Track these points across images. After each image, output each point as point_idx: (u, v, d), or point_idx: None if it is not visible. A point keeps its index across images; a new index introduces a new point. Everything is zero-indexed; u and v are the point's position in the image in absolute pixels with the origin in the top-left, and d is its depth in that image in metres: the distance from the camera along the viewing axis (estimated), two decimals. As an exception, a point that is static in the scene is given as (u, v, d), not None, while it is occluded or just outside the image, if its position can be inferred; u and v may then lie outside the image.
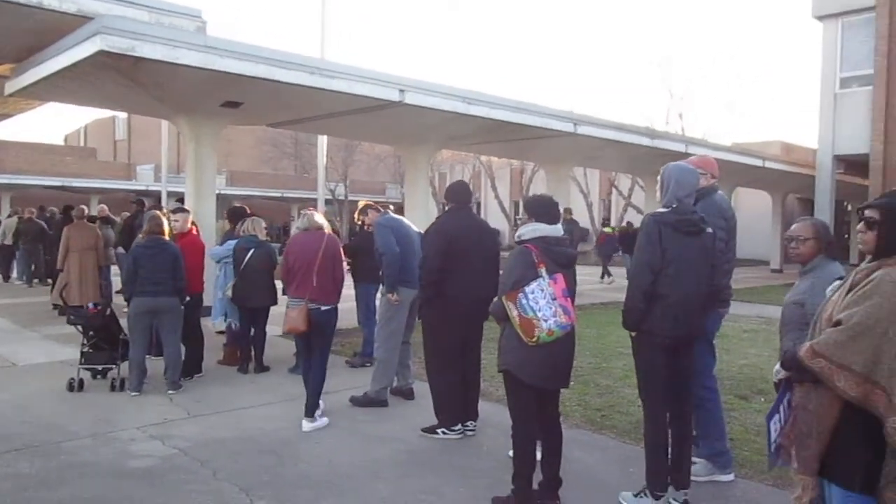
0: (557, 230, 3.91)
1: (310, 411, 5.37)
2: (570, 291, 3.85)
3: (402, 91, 10.74)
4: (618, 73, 65.60)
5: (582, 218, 31.81)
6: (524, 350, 3.71)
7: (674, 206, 3.78)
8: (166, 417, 5.53)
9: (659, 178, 3.91)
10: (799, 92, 64.86)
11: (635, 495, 3.95)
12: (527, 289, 3.68)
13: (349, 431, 5.29)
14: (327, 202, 30.16)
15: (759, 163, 21.09)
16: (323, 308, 5.41)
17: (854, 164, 20.13)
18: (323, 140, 18.03)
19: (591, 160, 20.22)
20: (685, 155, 18.19)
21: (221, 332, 8.00)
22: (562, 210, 14.74)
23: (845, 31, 19.07)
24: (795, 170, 23.12)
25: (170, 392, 6.21)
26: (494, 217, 38.05)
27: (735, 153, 20.62)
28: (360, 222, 7.23)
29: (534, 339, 3.65)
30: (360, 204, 7.25)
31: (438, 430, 5.16)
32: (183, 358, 6.56)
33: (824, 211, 19.78)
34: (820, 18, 19.50)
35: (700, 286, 3.80)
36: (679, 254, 3.71)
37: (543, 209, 3.93)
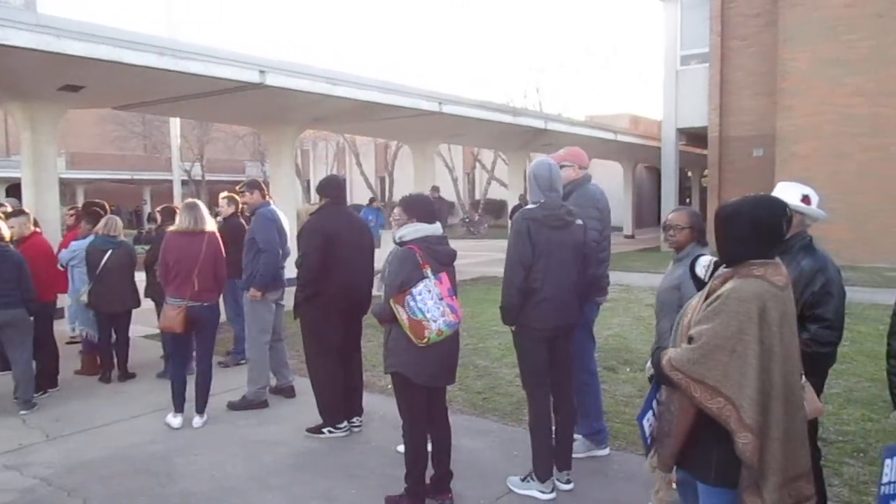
0: (438, 229, 3.93)
1: (201, 407, 5.38)
2: (454, 288, 3.91)
3: (262, 72, 10.32)
4: (479, 49, 66.58)
5: (448, 192, 32.28)
6: (414, 351, 3.72)
7: (541, 201, 3.91)
8: (21, 443, 5.06)
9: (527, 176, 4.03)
10: (645, 67, 68.97)
11: (522, 479, 4.11)
12: (414, 290, 3.69)
13: (230, 439, 5.11)
14: (183, 183, 28.53)
15: (611, 136, 22.30)
16: (205, 304, 5.36)
17: (694, 136, 21.77)
18: (176, 118, 17.01)
19: (456, 137, 20.49)
20: (544, 131, 18.91)
21: (74, 341, 7.41)
22: (429, 188, 14.71)
23: (684, 11, 20.43)
24: (643, 142, 24.67)
25: (22, 413, 5.69)
26: (360, 193, 37.71)
27: (589, 127, 21.69)
28: (241, 200, 6.49)
29: (424, 340, 3.68)
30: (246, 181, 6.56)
31: (324, 430, 5.09)
32: (35, 372, 6.02)
33: (670, 179, 21.29)
34: (662, -1, 20.76)
35: (573, 278, 3.97)
36: (549, 248, 3.85)
37: (422, 208, 3.93)
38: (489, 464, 4.57)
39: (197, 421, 5.38)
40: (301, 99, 11.76)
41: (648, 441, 2.80)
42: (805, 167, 16.71)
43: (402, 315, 3.70)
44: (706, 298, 2.52)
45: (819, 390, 3.35)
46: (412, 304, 3.68)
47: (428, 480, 3.96)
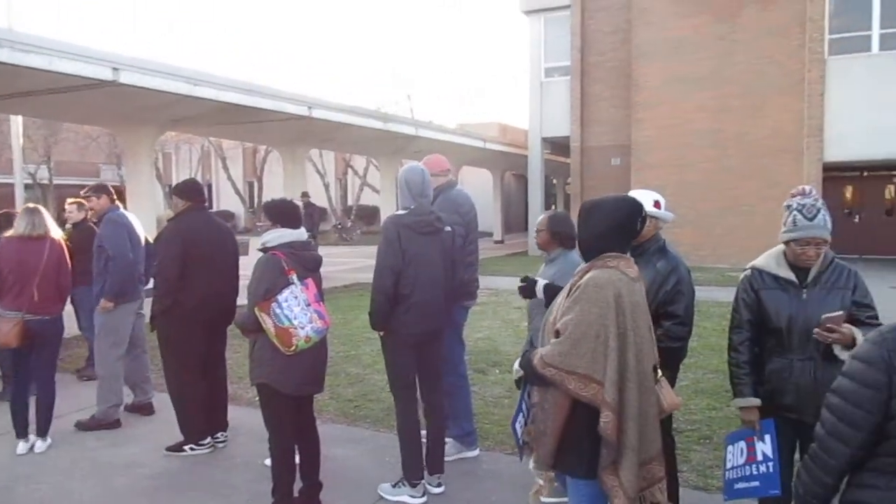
0: (302, 234, 3.84)
1: (43, 429, 4.94)
2: (320, 294, 3.83)
3: (116, 70, 9.71)
4: (352, 57, 66.18)
5: (319, 198, 31.77)
6: (280, 360, 3.61)
7: (411, 207, 3.93)
8: None
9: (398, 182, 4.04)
10: (513, 77, 71.35)
11: (393, 486, 4.08)
12: (280, 297, 3.58)
13: (79, 462, 4.72)
14: (27, 187, 26.25)
15: (480, 144, 22.88)
16: (45, 318, 4.87)
17: (559, 145, 22.78)
18: (18, 117, 15.61)
19: (327, 142, 20.24)
20: (415, 137, 19.09)
21: None
22: (299, 193, 14.40)
23: (548, 25, 21.37)
24: (511, 150, 25.51)
25: None
26: (228, 199, 36.33)
27: (459, 135, 22.13)
28: (87, 205, 6.00)
29: (292, 348, 3.57)
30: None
31: (185, 447, 4.82)
32: None
33: (536, 186, 22.14)
34: (527, 13, 21.58)
35: (442, 283, 4.01)
36: (418, 253, 3.87)
37: (285, 214, 3.82)
38: (360, 472, 4.51)
39: (39, 445, 4.92)
40: (159, 99, 11.17)
41: (521, 444, 2.86)
42: (657, 175, 17.93)
43: (268, 323, 3.57)
44: (568, 294, 2.65)
45: (672, 383, 3.58)
46: (278, 311, 3.57)
47: (296, 493, 3.85)
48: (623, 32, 19.20)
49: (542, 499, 3.82)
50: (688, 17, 17.65)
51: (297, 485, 3.87)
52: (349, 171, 37.78)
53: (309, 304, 3.66)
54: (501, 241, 28.22)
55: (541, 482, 3.81)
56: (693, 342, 7.90)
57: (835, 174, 18.72)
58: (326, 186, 35.51)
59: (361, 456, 4.80)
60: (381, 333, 3.99)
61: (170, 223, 4.80)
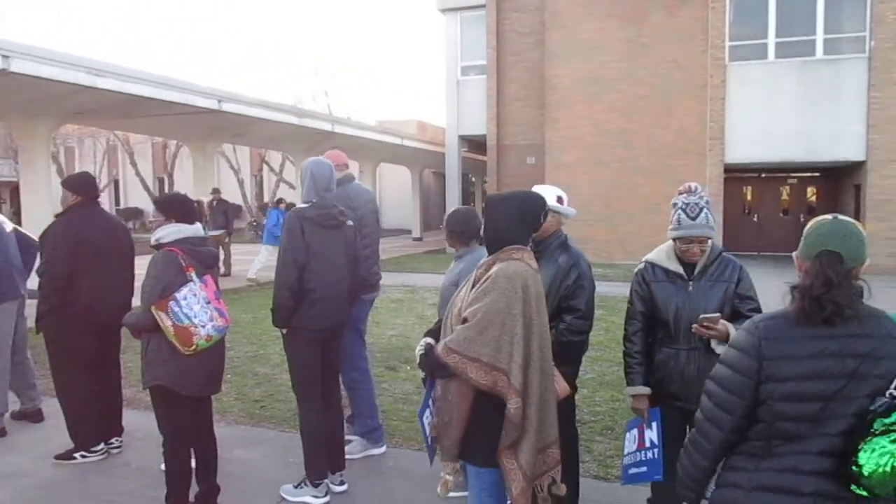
0: (198, 230, 3.70)
1: None
2: (218, 291, 3.71)
3: (6, 57, 9.14)
4: (269, 52, 64.61)
5: (233, 195, 30.96)
6: (176, 360, 3.47)
7: (314, 200, 3.86)
8: None
9: (300, 174, 3.97)
10: (431, 75, 71.51)
11: (296, 486, 4.01)
12: (178, 295, 3.44)
13: (-44, 476, 4.40)
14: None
15: (398, 141, 22.81)
16: None
17: (476, 143, 22.99)
18: None
19: (239, 137, 19.69)
20: (332, 133, 18.85)
21: None
22: (209, 190, 13.94)
23: (464, 24, 21.50)
24: (429, 147, 25.57)
25: None
26: (136, 196, 34.86)
27: (377, 131, 22.00)
28: None
29: (192, 347, 3.44)
30: None
31: (76, 455, 4.57)
32: None
33: (454, 184, 22.26)
34: (443, 12, 21.65)
35: (344, 278, 3.96)
36: (322, 247, 3.81)
37: (180, 208, 3.68)
38: (263, 473, 4.40)
39: None
40: (55, 89, 10.58)
41: (429, 438, 2.86)
42: (570, 174, 18.39)
43: (167, 322, 3.43)
44: (473, 286, 2.70)
45: (575, 376, 3.67)
46: (177, 309, 3.43)
47: (193, 498, 3.72)
48: (537, 34, 19.56)
49: (451, 493, 3.83)
50: (598, 21, 18.16)
51: (194, 489, 3.74)
52: (265, 167, 36.94)
53: (209, 302, 3.53)
54: (420, 239, 28.25)
55: (448, 477, 3.82)
56: (600, 335, 8.18)
57: (736, 175, 19.70)
58: (241, 183, 34.59)
59: (265, 457, 4.69)
60: (284, 331, 3.90)
61: (57, 218, 4.53)
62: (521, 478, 2.56)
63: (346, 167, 4.61)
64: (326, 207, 3.86)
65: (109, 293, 4.49)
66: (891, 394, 1.82)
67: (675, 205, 3.23)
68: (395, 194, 35.74)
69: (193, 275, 3.52)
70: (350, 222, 4.00)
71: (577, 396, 5.94)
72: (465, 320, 2.61)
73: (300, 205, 3.91)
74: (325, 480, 3.99)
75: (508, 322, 2.53)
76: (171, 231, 3.59)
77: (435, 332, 2.89)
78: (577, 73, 18.45)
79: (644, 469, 3.30)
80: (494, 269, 2.64)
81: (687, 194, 3.23)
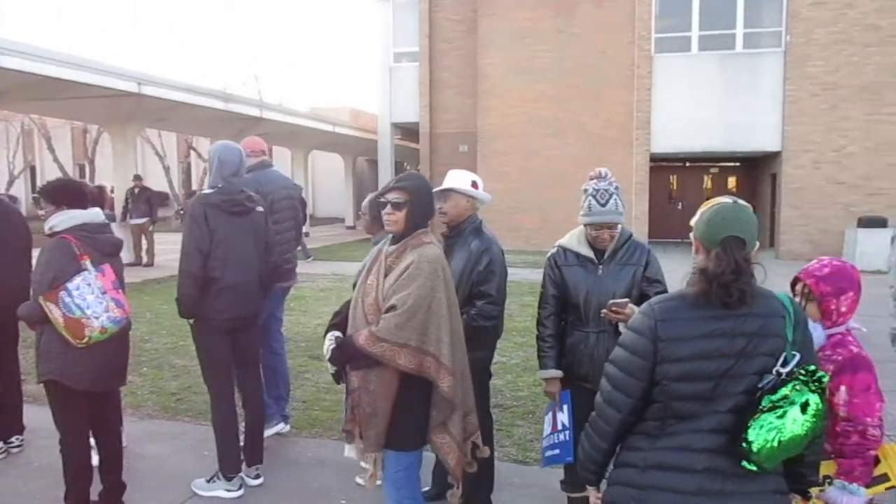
0: (97, 215, 3.51)
1: None
2: (120, 281, 3.54)
3: None
4: (197, 35, 62.47)
5: (159, 182, 29.95)
6: (72, 354, 3.29)
7: (219, 185, 3.73)
8: None
9: (208, 158, 3.82)
10: (366, 62, 70.76)
11: (208, 481, 3.89)
12: (69, 285, 3.25)
13: None
14: None
15: (329, 128, 22.48)
16: None
17: (408, 131, 22.85)
18: None
19: (163, 122, 18.98)
20: (261, 119, 18.42)
21: None
22: (132, 176, 13.42)
23: (396, 11, 21.26)
24: (362, 135, 25.30)
25: None
26: (54, 183, 33.17)
27: (308, 118, 21.62)
28: None
29: (84, 340, 3.26)
30: None
31: (-28, 455, 4.32)
32: None
33: (387, 172, 22.07)
34: (376, -3, 21.38)
35: (255, 265, 3.85)
36: (228, 234, 3.68)
37: (69, 194, 3.46)
38: (176, 468, 4.25)
39: None
40: (-45, 68, 9.94)
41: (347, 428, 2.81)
42: (502, 163, 18.52)
43: (56, 313, 3.24)
44: (386, 274, 2.69)
45: (489, 362, 3.67)
46: (67, 300, 3.24)
47: (97, 496, 3.55)
48: (469, 21, 19.54)
49: (378, 482, 3.79)
50: (529, 10, 18.28)
51: (97, 487, 3.58)
52: (192, 153, 35.78)
53: (105, 292, 3.35)
54: (353, 227, 27.98)
55: (369, 466, 3.77)
56: (527, 321, 8.24)
57: (662, 164, 20.24)
58: (167, 170, 33.39)
59: (179, 451, 4.54)
60: (191, 321, 3.76)
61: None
62: (456, 448, 2.70)
63: (261, 153, 4.49)
64: (232, 193, 3.73)
65: (4, 286, 4.24)
66: (777, 371, 1.87)
67: (585, 191, 3.25)
68: (329, 182, 35.22)
69: (89, 263, 3.33)
70: (260, 208, 3.88)
71: (500, 382, 6.05)
72: (391, 308, 2.60)
73: (205, 190, 3.76)
74: (240, 474, 3.88)
75: (435, 305, 2.59)
76: (65, 218, 3.39)
77: (338, 326, 2.83)
78: (508, 61, 18.55)
79: (557, 451, 3.33)
80: (413, 254, 2.65)
81: (597, 180, 3.27)
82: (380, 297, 2.65)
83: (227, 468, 3.82)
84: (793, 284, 2.59)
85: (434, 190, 3.50)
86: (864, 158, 15.97)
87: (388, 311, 2.60)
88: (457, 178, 3.50)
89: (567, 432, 3.25)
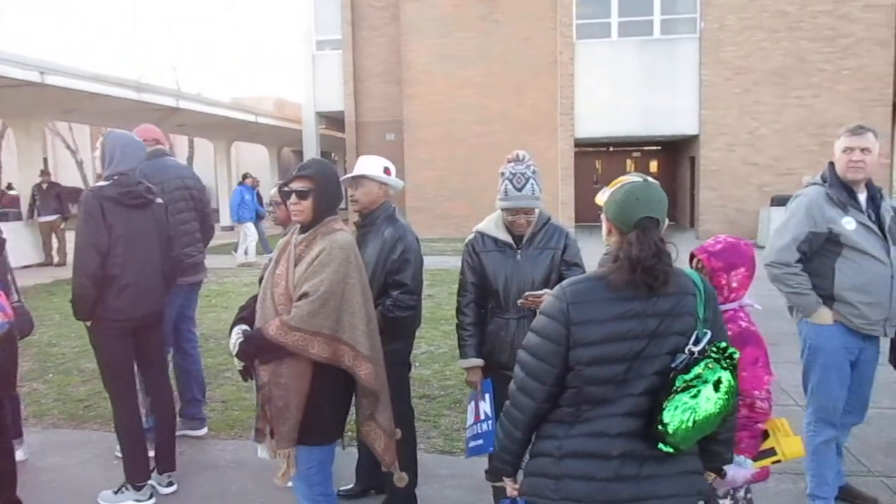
0: None
1: None
2: (9, 282, 3.27)
3: None
4: (111, 22, 59.65)
5: (71, 177, 28.57)
6: None
7: (115, 178, 3.48)
8: None
9: (99, 147, 3.55)
10: (288, 50, 69.22)
11: (115, 492, 3.66)
12: None
13: None
14: None
15: (252, 118, 21.83)
16: None
17: (334, 120, 22.46)
18: None
19: (70, 113, 17.97)
20: (177, 109, 17.71)
21: None
22: (38, 172, 12.66)
23: (318, -3, 20.78)
24: (286, 125, 24.69)
25: None
26: (-45, 180, 31.13)
27: (229, 108, 20.92)
28: None
29: None
30: None
31: None
32: None
33: (313, 163, 21.64)
34: (294, -18, 20.83)
35: (157, 261, 3.63)
36: (128, 229, 3.45)
37: None
38: (82, 480, 3.99)
39: None
40: None
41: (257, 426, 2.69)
42: (429, 150, 18.45)
43: (-71, 320, 2.96)
44: (296, 263, 2.60)
45: (408, 353, 3.57)
46: (-60, 306, 2.97)
47: (-11, 516, 3.29)
48: (392, 8, 19.30)
49: (289, 483, 3.65)
50: (452, -4, 18.19)
51: (-9, 506, 3.31)
52: (108, 147, 34.17)
53: (-16, 295, 3.09)
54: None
55: (284, 465, 3.63)
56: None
57: (586, 149, 20.57)
58: (80, 164, 31.85)
59: (85, 462, 4.27)
60: (88, 323, 3.51)
61: None
62: (383, 435, 2.69)
63: (157, 142, 4.25)
64: (129, 185, 3.48)
65: None
66: (689, 350, 1.84)
67: (502, 174, 3.18)
68: (253, 173, 34.37)
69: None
70: (159, 200, 3.65)
71: (428, 371, 5.97)
72: (303, 295, 2.51)
73: (99, 183, 3.51)
74: (150, 482, 3.67)
75: (348, 292, 2.54)
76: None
77: (245, 320, 2.70)
78: (433, 48, 18.42)
79: (481, 442, 3.27)
80: (323, 242, 2.58)
81: (514, 163, 3.20)
82: (290, 286, 2.55)
83: (134, 477, 3.60)
84: (689, 260, 2.62)
85: (345, 177, 3.39)
86: (776, 140, 16.62)
87: (300, 298, 2.50)
88: (368, 165, 3.37)
89: (490, 422, 3.19)
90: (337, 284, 2.50)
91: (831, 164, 3.29)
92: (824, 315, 3.24)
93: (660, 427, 1.79)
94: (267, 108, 25.52)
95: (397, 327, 3.25)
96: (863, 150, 3.15)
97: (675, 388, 1.79)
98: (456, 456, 4.23)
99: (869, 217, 3.20)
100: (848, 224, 3.16)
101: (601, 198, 2.02)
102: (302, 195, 2.60)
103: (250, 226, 14.02)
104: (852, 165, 3.17)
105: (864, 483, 3.69)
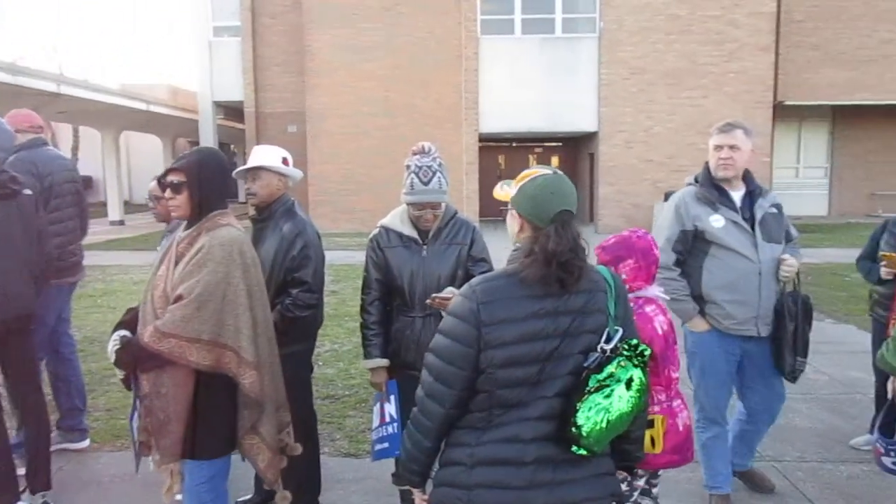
0: None
1: None
2: None
3: None
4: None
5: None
6: None
7: None
8: None
9: None
10: (184, 36, 66.24)
11: (-23, 518, 3.29)
12: None
13: None
14: None
15: (143, 106, 20.70)
16: None
17: (233, 110, 21.62)
18: None
19: (-66, 98, 16.42)
20: (58, 95, 16.52)
21: None
22: None
23: (214, -20, 19.91)
24: (182, 114, 23.56)
25: None
26: None
27: (117, 95, 19.72)
28: None
29: None
30: None
31: None
32: None
33: (210, 154, 20.76)
34: (189, -36, 19.85)
35: (22, 259, 3.27)
36: None
37: None
38: (-61, 505, 3.58)
39: None
40: None
41: (137, 442, 2.53)
42: (333, 143, 18.08)
43: None
44: (177, 263, 2.41)
45: (310, 355, 3.40)
46: None
47: None
48: (294, -5, 18.75)
49: (176, 497, 3.39)
50: (355, -14, 17.86)
51: None
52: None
53: None
54: (176, 214, 26.15)
55: (170, 480, 3.37)
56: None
57: (490, 144, 20.75)
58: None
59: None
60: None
61: None
62: (266, 449, 2.49)
63: (33, 129, 3.87)
64: None
65: None
66: (602, 348, 1.78)
67: (408, 167, 3.06)
68: (146, 166, 32.51)
69: None
70: (27, 191, 3.29)
71: (332, 371, 5.78)
72: (178, 298, 2.31)
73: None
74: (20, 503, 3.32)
75: (230, 293, 2.35)
76: None
77: (128, 324, 2.48)
78: (336, 38, 18.03)
79: (386, 445, 3.15)
80: (203, 239, 2.37)
81: (420, 155, 3.09)
82: (168, 288, 2.35)
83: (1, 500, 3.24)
84: None
85: (240, 169, 3.17)
86: (669, 138, 17.34)
87: (175, 301, 2.30)
88: (265, 155, 3.16)
89: (395, 424, 3.07)
90: (215, 285, 2.31)
91: (707, 163, 3.31)
92: (699, 323, 3.28)
93: (574, 429, 1.72)
94: (160, 95, 24.22)
95: (297, 328, 3.08)
96: (731, 147, 3.15)
97: (588, 388, 1.73)
98: (361, 458, 4.09)
99: (743, 215, 3.19)
100: (716, 222, 3.15)
101: (501, 192, 1.94)
102: (176, 189, 2.40)
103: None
104: (721, 163, 3.18)
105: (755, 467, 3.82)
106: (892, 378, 2.77)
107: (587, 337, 1.79)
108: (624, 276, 2.53)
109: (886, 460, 2.76)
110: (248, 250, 2.45)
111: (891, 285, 3.80)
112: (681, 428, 2.62)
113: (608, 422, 1.73)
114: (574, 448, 1.75)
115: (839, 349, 6.24)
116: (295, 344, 3.05)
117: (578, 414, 1.72)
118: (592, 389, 1.73)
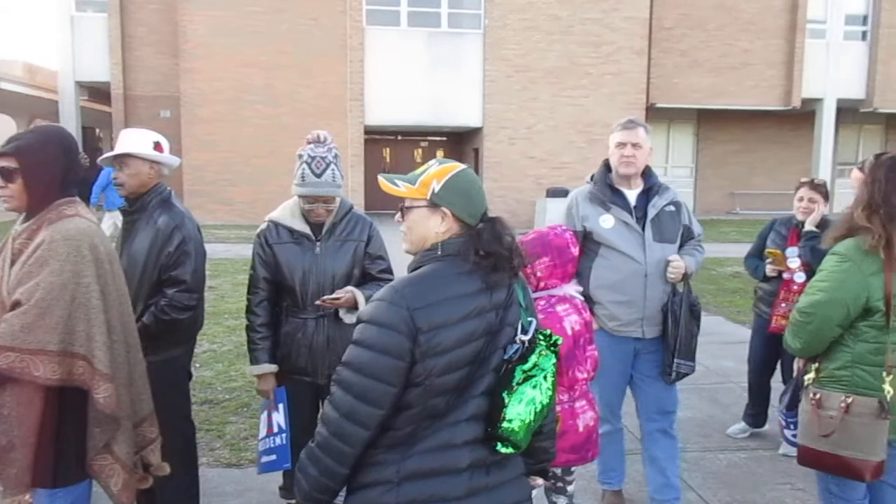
0: None
1: None
2: None
3: None
4: None
5: None
6: None
7: None
8: None
9: None
10: (42, 9, 60.92)
11: None
12: None
13: None
14: None
15: (-9, 84, 18.81)
16: None
17: (98, 92, 20.08)
18: None
19: None
20: None
21: None
22: None
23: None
24: (40, 94, 21.62)
25: None
26: None
27: (-39, 71, 17.80)
28: None
29: None
30: None
31: None
32: None
33: (72, 139, 19.19)
34: (46, -70, 18.20)
35: None
36: None
37: None
38: None
39: None
40: None
41: None
42: (209, 131, 17.20)
43: None
44: (13, 262, 2.08)
45: (188, 360, 3.12)
46: None
47: None
48: (166, -29, 17.65)
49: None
50: (235, -34, 17.06)
51: None
52: None
53: None
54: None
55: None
56: (240, 302, 7.57)
57: (376, 136, 20.50)
58: None
59: None
60: None
61: None
62: (121, 470, 2.18)
63: None
64: None
65: None
66: (520, 339, 1.69)
67: (300, 156, 2.86)
68: (-3, 149, 29.82)
69: None
70: None
71: (210, 373, 5.42)
72: (16, 304, 1.98)
73: None
74: None
75: (80, 295, 2.05)
76: None
77: None
78: (214, 20, 17.15)
79: (274, 457, 2.94)
80: (44, 233, 2.06)
81: (315, 145, 2.90)
82: (4, 291, 2.03)
83: None
84: None
85: (106, 155, 2.84)
86: (550, 136, 17.83)
87: (12, 308, 1.99)
88: (134, 141, 2.83)
89: (284, 434, 2.86)
90: (61, 287, 2.02)
91: (606, 161, 3.26)
92: None
93: (505, 424, 1.61)
94: (14, 73, 22.06)
95: (174, 331, 2.79)
96: (633, 144, 3.12)
97: (516, 380, 1.64)
98: (244, 469, 3.83)
99: (637, 214, 3.15)
100: (605, 222, 3.13)
101: (401, 188, 1.79)
102: (7, 176, 2.09)
103: (118, 214, 11.58)
104: (624, 160, 3.14)
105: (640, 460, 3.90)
106: (796, 358, 2.87)
107: (508, 330, 1.70)
108: (539, 274, 2.48)
109: (787, 433, 2.92)
110: (101, 244, 2.15)
111: (775, 282, 4.00)
112: (581, 429, 2.60)
113: (535, 413, 1.65)
114: (500, 446, 1.65)
115: (711, 340, 6.57)
116: (171, 349, 2.78)
117: (508, 408, 1.62)
118: (521, 381, 1.64)
